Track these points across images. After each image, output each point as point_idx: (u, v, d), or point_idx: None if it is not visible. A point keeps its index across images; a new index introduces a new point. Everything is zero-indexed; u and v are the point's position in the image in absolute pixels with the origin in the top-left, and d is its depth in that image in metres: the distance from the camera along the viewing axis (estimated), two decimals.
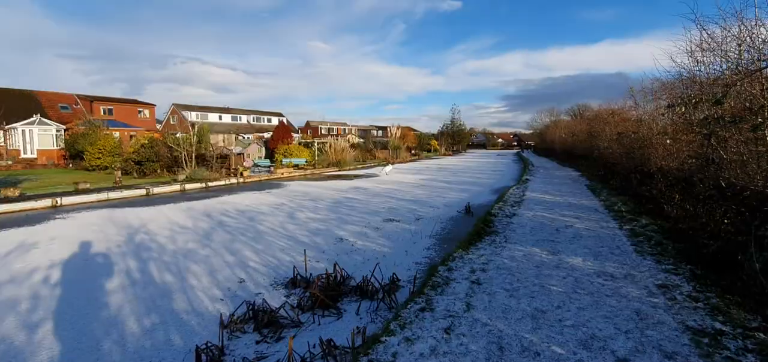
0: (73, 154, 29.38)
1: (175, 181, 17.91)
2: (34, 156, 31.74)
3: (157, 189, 15.64)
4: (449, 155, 58.38)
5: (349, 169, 28.27)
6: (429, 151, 63.35)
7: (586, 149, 21.75)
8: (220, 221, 9.45)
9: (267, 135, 38.62)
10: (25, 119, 31.97)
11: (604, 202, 10.05)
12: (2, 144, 32.52)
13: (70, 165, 30.05)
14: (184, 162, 20.36)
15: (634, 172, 11.18)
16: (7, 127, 31.80)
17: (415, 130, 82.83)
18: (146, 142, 23.65)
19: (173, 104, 50.18)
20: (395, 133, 42.47)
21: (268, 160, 25.39)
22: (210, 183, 17.90)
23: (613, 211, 8.74)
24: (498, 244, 6.09)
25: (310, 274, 5.16)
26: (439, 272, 4.74)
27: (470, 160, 42.07)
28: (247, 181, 19.74)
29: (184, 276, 5.43)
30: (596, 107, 34.13)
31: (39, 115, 32.97)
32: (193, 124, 27.10)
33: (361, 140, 58.51)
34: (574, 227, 7.36)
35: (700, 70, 6.49)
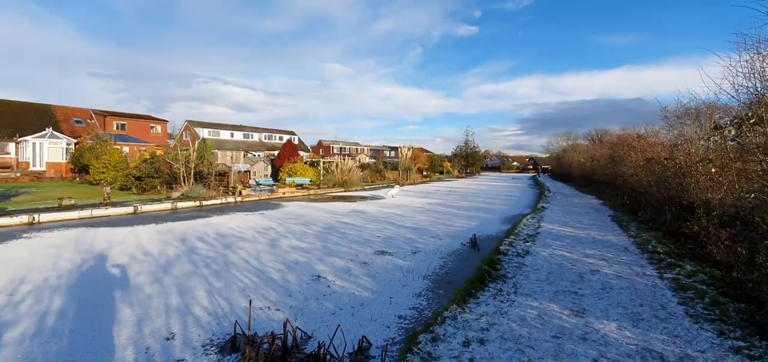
0: (79, 167, 29.24)
1: (169, 198, 17.11)
2: (43, 168, 31.79)
3: (146, 208, 14.80)
4: (462, 177, 56.87)
5: (356, 190, 27.19)
6: (441, 172, 62.00)
7: (607, 175, 20.16)
8: (192, 247, 8.38)
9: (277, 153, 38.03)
10: (40, 132, 32.26)
11: (634, 239, 8.60)
12: (14, 156, 32.79)
13: (77, 178, 29.95)
14: (181, 179, 19.65)
15: (669, 204, 9.71)
16: (19, 139, 32.08)
17: (428, 152, 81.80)
18: (148, 157, 23.14)
19: (186, 120, 50.45)
20: (406, 154, 41.40)
21: (271, 179, 24.55)
22: (204, 202, 17.02)
23: (648, 252, 7.31)
24: (505, 296, 4.79)
25: (255, 333, 3.96)
26: (420, 344, 3.47)
27: (483, 183, 40.54)
28: (245, 200, 18.82)
29: (102, 326, 4.31)
30: (616, 132, 32.51)
31: (51, 128, 33.21)
32: (200, 140, 26.65)
33: (373, 160, 57.69)
34: (602, 272, 5.99)
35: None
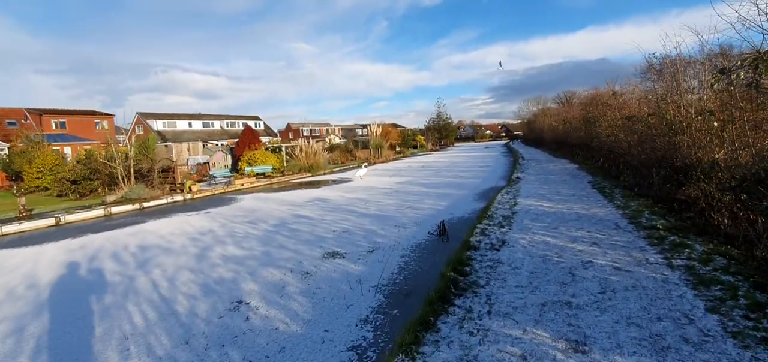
0: (10, 175, 26.17)
1: (104, 203, 15.03)
2: None
3: (72, 217, 12.76)
4: (436, 150, 55.91)
5: (323, 174, 25.55)
6: (415, 147, 60.85)
7: (581, 138, 19.35)
8: (96, 270, 6.70)
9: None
10: None
11: (623, 211, 7.50)
12: None
13: (14, 188, 26.87)
14: (120, 179, 17.47)
15: (656, 166, 8.68)
16: None
17: (400, 127, 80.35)
18: (83, 157, 20.64)
19: (137, 113, 46.68)
20: (375, 132, 39.78)
21: (227, 170, 22.53)
22: (146, 204, 15.04)
23: (643, 227, 6.19)
24: (475, 323, 3.46)
25: None
26: None
27: (456, 155, 39.59)
28: (195, 197, 16.90)
29: None
30: (584, 93, 31.95)
31: None
32: (153, 133, 24.12)
33: (344, 140, 55.77)
34: (597, 265, 4.78)
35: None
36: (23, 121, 35.85)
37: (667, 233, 5.72)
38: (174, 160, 20.86)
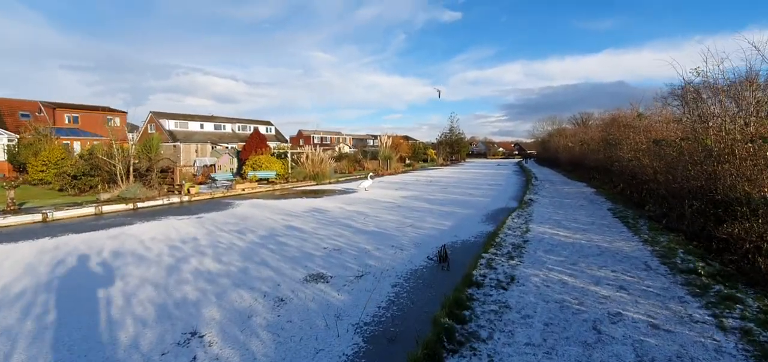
0: (16, 166, 26.19)
1: (98, 201, 14.54)
2: None
3: (61, 214, 12.26)
4: (446, 165, 54.95)
5: (328, 183, 24.88)
6: (425, 160, 60.02)
7: (600, 160, 18.29)
8: (58, 277, 6.02)
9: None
10: None
11: (652, 247, 6.54)
12: None
13: (20, 178, 26.88)
14: (119, 177, 17.05)
15: (689, 197, 7.70)
16: None
17: (412, 139, 79.74)
18: (86, 153, 20.38)
19: (151, 112, 47.04)
20: (386, 143, 39.10)
21: (229, 174, 22.01)
22: (141, 204, 14.51)
23: (679, 270, 5.24)
24: None
25: None
26: None
27: (467, 171, 38.60)
28: (193, 199, 16.35)
29: None
30: (599, 115, 30.79)
31: None
32: (166, 132, 23.89)
33: (353, 150, 55.27)
34: (627, 318, 3.88)
35: None
36: (37, 114, 36.19)
37: (710, 280, 4.78)
38: (180, 160, 20.44)
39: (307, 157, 26.27)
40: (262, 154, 25.96)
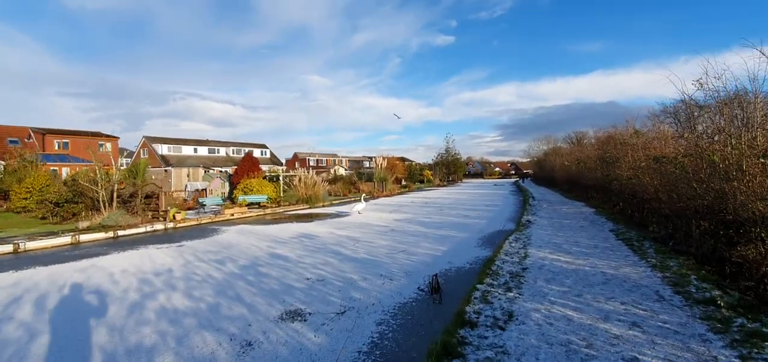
0: (2, 194, 25.47)
1: (76, 229, 13.88)
2: None
3: (35, 244, 11.60)
4: (443, 186, 54.56)
5: (322, 206, 24.32)
6: (422, 181, 59.67)
7: (597, 179, 17.89)
8: (6, 318, 5.38)
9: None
10: None
11: (662, 272, 6.01)
12: None
13: (4, 206, 26.14)
14: (102, 203, 16.43)
15: (696, 216, 7.22)
16: None
17: (408, 160, 79.63)
18: (69, 179, 19.78)
19: (144, 136, 46.57)
20: (381, 164, 38.73)
21: (219, 198, 21.41)
22: (121, 232, 13.86)
23: (697, 302, 4.69)
24: None
25: None
26: None
27: (464, 191, 38.17)
28: (178, 226, 15.71)
29: None
30: (593, 134, 30.68)
31: None
32: (153, 157, 23.37)
33: (349, 172, 54.90)
34: None
35: None
36: (26, 140, 35.68)
37: (731, 312, 4.24)
38: (171, 185, 19.85)
39: (299, 179, 25.74)
40: (254, 177, 25.46)
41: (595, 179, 18.72)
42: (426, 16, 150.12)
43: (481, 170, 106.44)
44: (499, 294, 5.11)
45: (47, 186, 21.89)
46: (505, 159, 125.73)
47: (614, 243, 8.68)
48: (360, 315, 5.14)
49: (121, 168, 20.89)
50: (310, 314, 5.25)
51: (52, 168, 32.14)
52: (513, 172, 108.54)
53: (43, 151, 34.92)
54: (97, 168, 16.93)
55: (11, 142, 34.44)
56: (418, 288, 6.32)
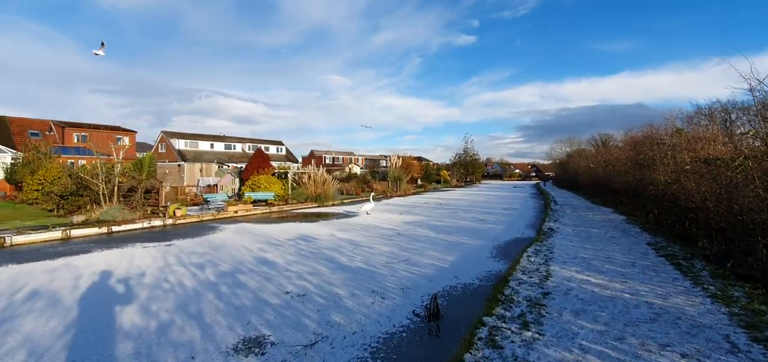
0: (13, 185, 25.69)
1: (70, 224, 13.37)
2: None
3: (22, 238, 11.06)
4: (460, 186, 52.96)
5: (331, 205, 23.41)
6: (438, 182, 58.22)
7: (628, 183, 16.22)
8: None
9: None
10: None
11: (726, 306, 4.67)
12: None
13: (20, 197, 26.42)
14: (102, 197, 15.97)
15: (764, 233, 5.81)
16: None
17: (425, 160, 78.18)
18: (74, 172, 19.49)
19: (162, 131, 47.04)
20: (395, 163, 37.58)
21: (224, 195, 20.76)
22: (116, 228, 13.26)
23: None
24: None
25: None
26: None
27: (481, 193, 36.60)
28: (177, 222, 15.06)
29: None
30: (619, 137, 28.61)
31: None
32: (149, 154, 23.04)
33: (364, 170, 54.01)
34: None
35: None
36: (47, 132, 36.25)
37: None
38: (184, 180, 19.32)
39: (309, 177, 24.89)
40: (264, 173, 24.78)
41: (625, 183, 17.03)
42: (447, 16, 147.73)
43: (500, 171, 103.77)
44: (512, 332, 3.91)
45: (59, 178, 21.77)
46: (526, 160, 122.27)
47: (655, 261, 7.28)
48: (333, 349, 4.06)
49: (123, 162, 20.54)
50: (271, 344, 4.21)
51: (69, 160, 32.48)
52: (533, 174, 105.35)
53: (63, 143, 35.36)
54: (98, 161, 16.49)
55: (33, 134, 35.01)
56: (414, 311, 5.18)
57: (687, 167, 9.92)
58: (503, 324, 4.02)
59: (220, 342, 4.29)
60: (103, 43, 18.94)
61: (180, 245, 10.42)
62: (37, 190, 21.76)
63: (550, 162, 75.18)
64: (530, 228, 13.03)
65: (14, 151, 29.85)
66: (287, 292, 6.12)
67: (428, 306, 4.97)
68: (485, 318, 4.18)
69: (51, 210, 17.98)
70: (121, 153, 17.34)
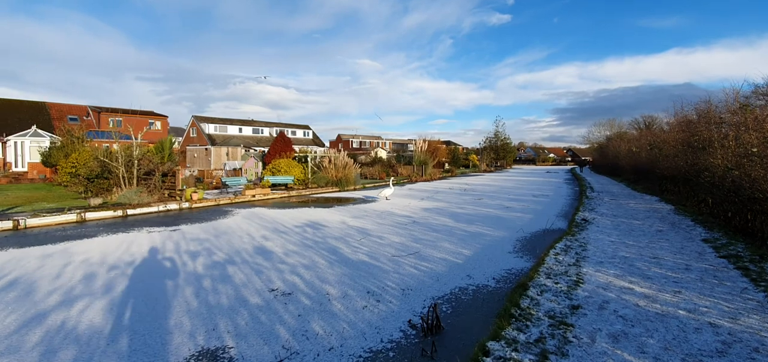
0: (50, 168, 26.81)
1: (87, 207, 13.41)
2: (25, 169, 29.80)
3: (37, 221, 11.08)
4: (489, 172, 51.04)
5: (353, 190, 22.81)
6: (467, 167, 56.47)
7: (679, 168, 14.42)
8: None
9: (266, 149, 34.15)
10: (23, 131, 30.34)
11: None
12: (1, 157, 31.13)
13: (55, 180, 27.63)
14: (121, 180, 16.06)
15: None
16: (5, 138, 30.26)
17: (455, 144, 76.21)
18: (98, 155, 19.85)
19: (193, 116, 48.11)
20: (421, 147, 36.40)
21: (243, 179, 20.55)
22: (132, 211, 13.19)
23: None
24: None
25: None
26: None
27: (511, 178, 34.84)
28: (193, 206, 14.89)
29: None
30: (666, 119, 25.89)
31: (34, 126, 31.16)
32: (171, 136, 23.22)
33: (391, 154, 53.14)
34: None
35: None
36: (84, 117, 37.72)
37: None
38: (211, 164, 19.29)
39: (329, 160, 24.31)
40: (284, 157, 24.47)
41: (674, 168, 15.19)
42: None
43: (533, 156, 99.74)
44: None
45: (88, 162, 22.33)
46: (562, 145, 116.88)
47: (715, 263, 5.99)
48: None
49: (142, 145, 20.73)
50: (232, 360, 3.48)
51: (105, 144, 33.68)
52: (569, 158, 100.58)
53: (99, 128, 36.68)
54: (117, 145, 16.56)
55: (71, 119, 36.52)
56: (410, 320, 4.32)
57: (754, 150, 8.36)
58: (514, 355, 3.06)
59: (171, 355, 3.62)
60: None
61: (185, 230, 10.04)
62: (70, 173, 22.48)
63: (588, 146, 71.12)
64: (562, 219, 11.74)
65: (52, 136, 31.16)
66: (273, 290, 5.41)
67: (427, 315, 4.09)
68: (490, 344, 3.24)
69: (81, 193, 18.40)
70: (140, 135, 17.31)
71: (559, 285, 4.81)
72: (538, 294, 4.48)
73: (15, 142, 29.57)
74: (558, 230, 9.69)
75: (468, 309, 4.68)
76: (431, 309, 4.12)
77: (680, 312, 4.03)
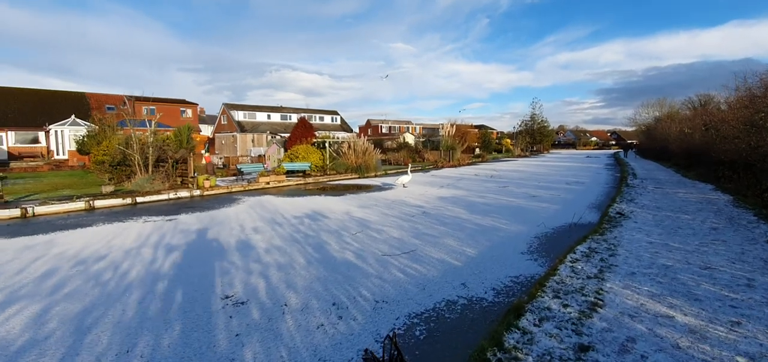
0: (84, 155, 27.93)
1: (98, 194, 13.43)
2: (66, 157, 31.35)
3: (46, 209, 11.12)
4: (524, 157, 48.48)
5: (373, 176, 22.00)
6: (499, 151, 54.08)
7: (740, 152, 12.34)
8: None
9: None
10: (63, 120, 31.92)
11: None
12: (44, 145, 32.98)
13: (88, 166, 28.85)
14: (137, 167, 16.12)
15: None
16: (48, 127, 31.97)
17: (489, 128, 73.37)
18: (121, 142, 20.19)
19: (223, 104, 48.94)
20: (448, 131, 34.86)
21: (259, 166, 20.21)
22: (141, 198, 13.08)
23: None
24: None
25: None
26: None
27: (544, 163, 32.62)
28: (205, 194, 14.65)
29: None
30: (723, 97, 22.74)
31: (73, 115, 32.64)
32: (188, 125, 23.31)
33: (418, 139, 51.73)
34: None
35: None
36: (121, 106, 39.23)
37: None
38: (237, 150, 19.17)
39: (349, 146, 23.55)
40: (304, 143, 24.00)
41: (734, 151, 13.07)
42: None
43: (573, 140, 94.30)
44: None
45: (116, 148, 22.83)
46: (606, 127, 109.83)
47: None
48: None
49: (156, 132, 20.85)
50: None
51: (139, 132, 34.91)
52: (613, 142, 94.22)
53: (134, 116, 38.01)
54: (132, 132, 16.59)
55: (109, 108, 38.07)
56: (367, 350, 3.39)
57: None
58: None
59: None
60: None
61: (180, 220, 9.61)
62: (96, 161, 23.19)
63: (634, 128, 65.89)
64: (594, 211, 10.27)
65: (89, 125, 32.55)
66: (227, 297, 4.66)
67: (386, 350, 3.14)
68: None
69: (110, 180, 18.80)
70: (154, 123, 17.27)
71: (568, 310, 3.67)
72: (534, 324, 3.38)
73: (56, 131, 31.07)
74: (586, 225, 8.33)
75: (448, 335, 3.68)
76: (388, 338, 3.16)
77: (741, 359, 2.83)
